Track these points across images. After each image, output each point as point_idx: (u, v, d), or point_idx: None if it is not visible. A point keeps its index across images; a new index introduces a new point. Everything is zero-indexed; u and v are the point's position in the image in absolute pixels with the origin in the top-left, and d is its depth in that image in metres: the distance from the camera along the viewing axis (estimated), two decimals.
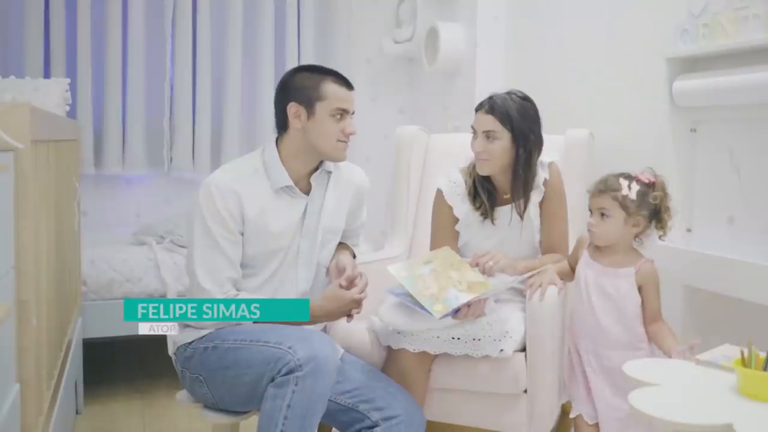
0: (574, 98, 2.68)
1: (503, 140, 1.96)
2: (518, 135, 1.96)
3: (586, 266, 1.87)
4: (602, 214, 1.81)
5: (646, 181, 1.81)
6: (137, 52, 3.51)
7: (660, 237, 1.84)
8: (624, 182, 1.79)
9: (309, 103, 1.81)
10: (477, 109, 2.01)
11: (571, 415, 1.91)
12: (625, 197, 1.78)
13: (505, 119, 1.95)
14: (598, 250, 1.87)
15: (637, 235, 1.83)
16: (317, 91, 1.81)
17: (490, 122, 1.96)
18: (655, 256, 1.87)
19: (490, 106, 1.97)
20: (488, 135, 1.96)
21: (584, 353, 1.86)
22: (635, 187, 1.78)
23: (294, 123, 1.83)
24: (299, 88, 1.82)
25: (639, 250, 1.86)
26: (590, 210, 1.85)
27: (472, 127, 2.01)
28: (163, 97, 3.57)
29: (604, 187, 1.81)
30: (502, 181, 2.04)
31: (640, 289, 1.81)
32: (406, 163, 2.52)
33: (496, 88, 2.06)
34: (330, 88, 1.81)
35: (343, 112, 1.83)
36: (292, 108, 1.82)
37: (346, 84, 1.85)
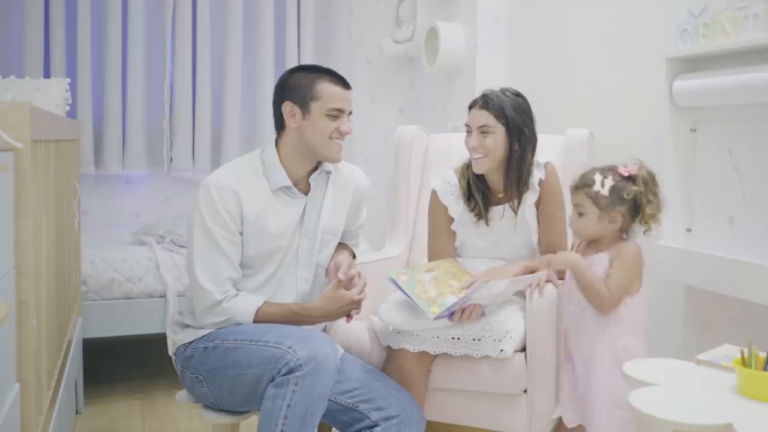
0: (574, 98, 2.68)
1: (498, 134, 1.96)
2: (513, 129, 1.96)
3: None
4: (579, 212, 1.80)
5: (625, 174, 1.77)
6: (137, 52, 3.50)
7: (645, 232, 1.80)
8: (598, 177, 1.76)
9: (303, 103, 1.81)
10: (471, 106, 2.01)
11: (553, 416, 1.88)
12: (597, 193, 1.75)
13: (500, 114, 1.95)
14: (588, 245, 1.86)
15: (621, 230, 1.80)
16: (312, 90, 1.81)
17: (485, 117, 1.96)
18: (655, 256, 1.87)
19: (484, 101, 1.98)
20: (483, 130, 1.96)
21: (572, 351, 1.84)
22: (609, 182, 1.75)
23: (290, 122, 1.84)
24: (295, 87, 1.83)
25: (628, 239, 1.81)
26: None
27: (467, 124, 2.01)
28: (163, 97, 3.57)
29: (581, 183, 1.79)
30: (496, 180, 2.03)
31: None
32: (406, 163, 2.52)
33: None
34: (325, 87, 1.81)
35: (339, 112, 1.82)
36: (287, 107, 1.83)
37: (342, 83, 1.85)
